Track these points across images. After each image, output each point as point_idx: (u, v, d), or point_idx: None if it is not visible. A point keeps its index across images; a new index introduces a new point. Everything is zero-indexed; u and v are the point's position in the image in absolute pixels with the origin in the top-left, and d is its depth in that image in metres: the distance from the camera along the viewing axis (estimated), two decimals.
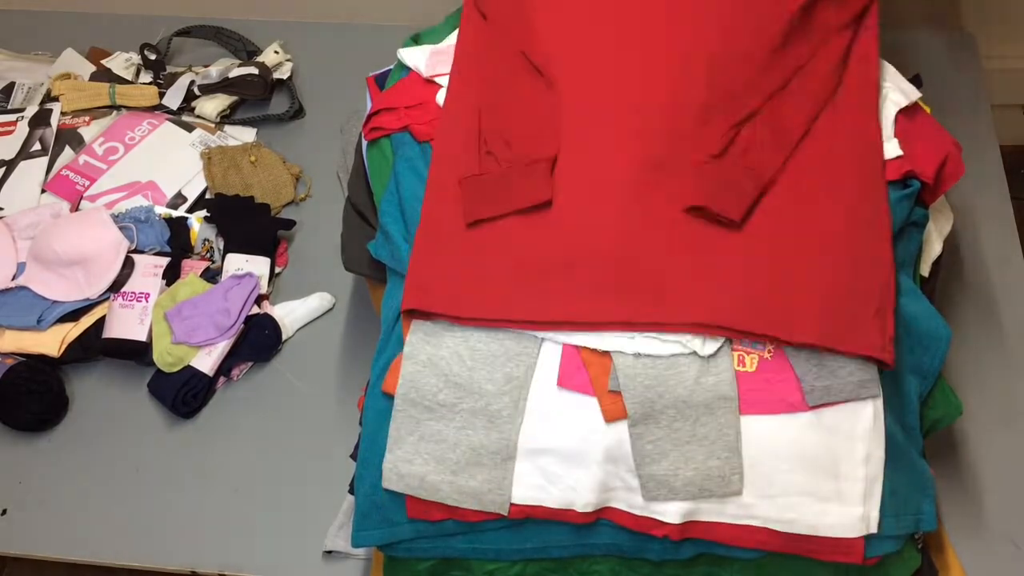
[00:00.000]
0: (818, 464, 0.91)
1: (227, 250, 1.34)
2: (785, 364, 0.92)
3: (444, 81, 1.13)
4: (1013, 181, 1.41)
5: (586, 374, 0.92)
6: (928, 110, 1.13)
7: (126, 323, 1.26)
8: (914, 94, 1.09)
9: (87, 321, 1.29)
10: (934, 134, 1.09)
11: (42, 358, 1.28)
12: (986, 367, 1.23)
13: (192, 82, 1.54)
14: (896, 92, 1.09)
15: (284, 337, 1.31)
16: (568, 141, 1.01)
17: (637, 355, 0.92)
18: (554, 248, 0.96)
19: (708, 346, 0.92)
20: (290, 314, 1.32)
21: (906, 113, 1.08)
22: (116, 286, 1.29)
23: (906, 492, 0.94)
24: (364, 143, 1.19)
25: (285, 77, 1.57)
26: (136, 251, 1.32)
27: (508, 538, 0.96)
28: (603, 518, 0.94)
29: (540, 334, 0.94)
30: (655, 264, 0.94)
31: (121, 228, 1.32)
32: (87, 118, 1.52)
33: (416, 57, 1.17)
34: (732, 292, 0.93)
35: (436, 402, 0.94)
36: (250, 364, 1.30)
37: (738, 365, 0.92)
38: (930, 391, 1.00)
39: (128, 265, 1.31)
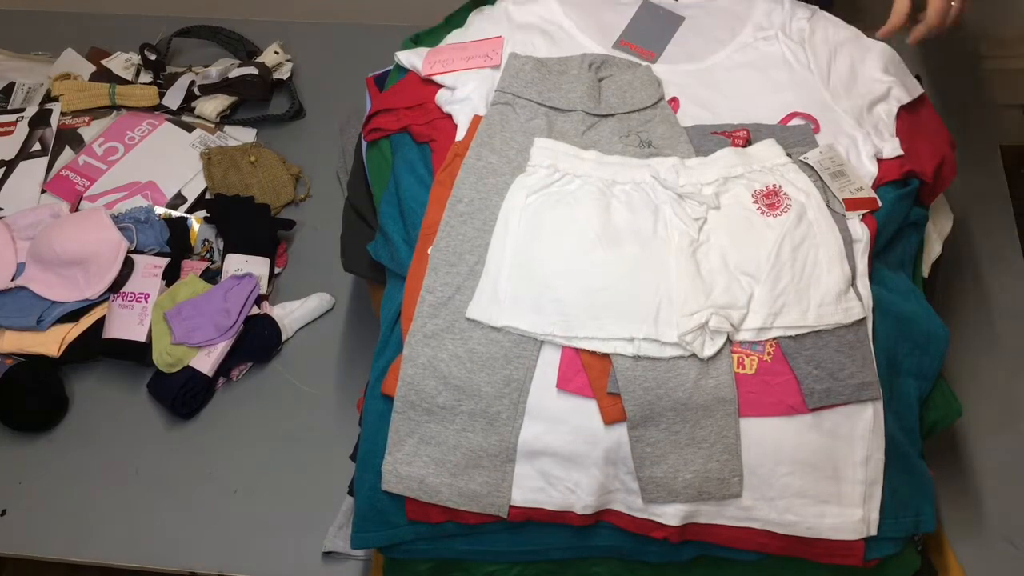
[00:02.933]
0: (818, 466, 0.91)
1: (227, 250, 1.34)
2: (784, 366, 0.92)
3: (442, 80, 1.13)
4: (1013, 181, 1.41)
5: (585, 376, 0.92)
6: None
7: (126, 323, 1.26)
8: (916, 90, 1.09)
9: (87, 321, 1.29)
10: (934, 134, 1.09)
11: (42, 358, 1.28)
12: (985, 368, 1.23)
13: (192, 82, 1.54)
14: (899, 88, 1.08)
15: (284, 337, 1.31)
16: None
17: (636, 358, 0.92)
18: None
19: (708, 348, 0.92)
20: (290, 314, 1.32)
21: (909, 109, 1.08)
22: (116, 286, 1.29)
23: (906, 494, 0.94)
24: (364, 144, 1.19)
25: (285, 77, 1.57)
26: (136, 251, 1.32)
27: (507, 540, 0.96)
28: (602, 520, 0.94)
29: (542, 336, 0.94)
30: None
31: (121, 228, 1.32)
32: (87, 118, 1.52)
33: (414, 58, 1.17)
34: None
35: (435, 404, 0.94)
36: (250, 364, 1.30)
37: (737, 367, 0.92)
38: (929, 392, 1.00)
39: (128, 265, 1.31)
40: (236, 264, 1.33)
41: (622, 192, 1.00)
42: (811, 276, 0.95)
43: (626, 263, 0.96)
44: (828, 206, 0.99)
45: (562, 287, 0.95)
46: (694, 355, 0.91)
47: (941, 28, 1.01)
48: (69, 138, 1.49)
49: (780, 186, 0.99)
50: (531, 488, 0.92)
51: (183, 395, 1.24)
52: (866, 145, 1.05)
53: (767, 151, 1.02)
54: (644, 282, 0.95)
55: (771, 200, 0.99)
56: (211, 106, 1.52)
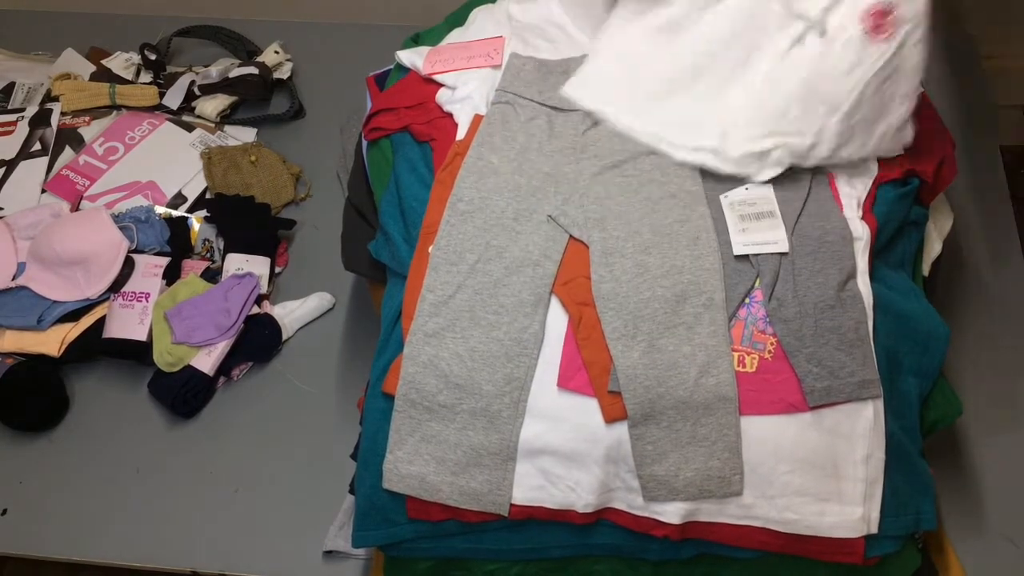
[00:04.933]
0: (818, 464, 0.91)
1: (227, 250, 1.34)
2: (785, 364, 0.92)
3: (443, 80, 1.13)
4: (1013, 181, 1.41)
5: (586, 374, 0.92)
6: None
7: (126, 323, 1.26)
8: (916, 90, 1.09)
9: (87, 321, 1.29)
10: (934, 133, 1.09)
11: (42, 358, 1.28)
12: (986, 367, 1.23)
13: (192, 82, 1.54)
14: None
15: (284, 337, 1.31)
16: None
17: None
18: None
19: (764, 174, 1.00)
20: (290, 314, 1.32)
21: None
22: (116, 286, 1.29)
23: (906, 492, 0.94)
24: (364, 143, 1.19)
25: (285, 77, 1.57)
26: (136, 251, 1.32)
27: (508, 538, 0.96)
28: (603, 518, 0.94)
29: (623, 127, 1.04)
30: None
31: (121, 228, 1.32)
32: (87, 118, 1.52)
33: (415, 57, 1.17)
34: None
35: (436, 403, 0.94)
36: (250, 364, 1.30)
37: (738, 366, 0.92)
38: (930, 391, 1.00)
39: (128, 265, 1.31)
40: (236, 264, 1.33)
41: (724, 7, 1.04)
42: (886, 109, 1.00)
43: (710, 88, 1.02)
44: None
45: (650, 102, 1.04)
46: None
47: None
48: (69, 138, 1.49)
49: (894, 8, 0.98)
50: (532, 486, 0.92)
51: (183, 394, 1.24)
52: None
53: None
54: (720, 103, 1.01)
55: (878, 21, 0.98)
56: (211, 106, 1.52)
